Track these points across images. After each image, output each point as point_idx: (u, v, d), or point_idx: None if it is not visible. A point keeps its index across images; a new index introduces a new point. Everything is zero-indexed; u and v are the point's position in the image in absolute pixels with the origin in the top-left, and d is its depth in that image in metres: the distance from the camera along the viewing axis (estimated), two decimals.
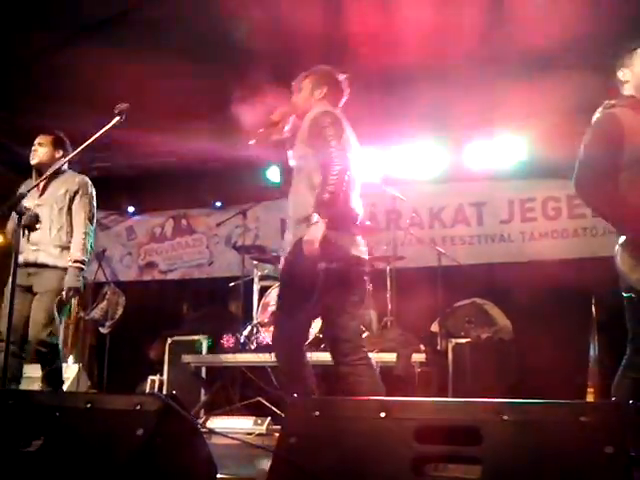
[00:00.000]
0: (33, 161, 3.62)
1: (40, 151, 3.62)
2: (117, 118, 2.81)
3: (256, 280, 5.45)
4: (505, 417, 1.57)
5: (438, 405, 1.72)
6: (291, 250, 2.76)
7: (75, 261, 3.46)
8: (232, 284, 5.64)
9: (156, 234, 7.34)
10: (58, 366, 3.54)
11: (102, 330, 5.82)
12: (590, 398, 4.51)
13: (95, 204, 3.67)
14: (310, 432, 1.70)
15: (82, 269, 3.49)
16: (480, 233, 6.14)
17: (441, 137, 6.00)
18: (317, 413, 1.75)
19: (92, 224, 3.61)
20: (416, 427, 1.65)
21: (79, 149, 2.96)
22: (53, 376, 3.49)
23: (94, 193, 3.67)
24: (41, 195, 3.56)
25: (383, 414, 1.69)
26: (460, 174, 6.11)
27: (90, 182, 3.69)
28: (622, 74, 2.67)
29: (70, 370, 5.54)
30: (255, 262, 5.50)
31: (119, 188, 7.19)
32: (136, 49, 4.62)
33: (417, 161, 6.09)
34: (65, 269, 3.45)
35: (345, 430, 1.70)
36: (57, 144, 3.67)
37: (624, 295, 2.52)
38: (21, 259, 3.23)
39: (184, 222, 7.26)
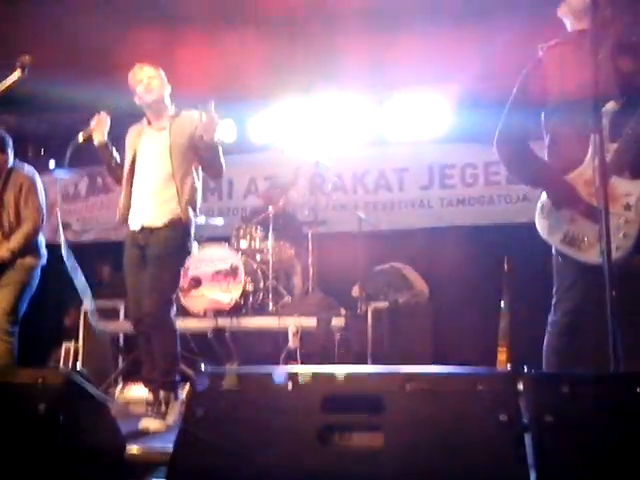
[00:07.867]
0: None
1: None
2: (18, 72, 2.56)
3: None
4: (407, 387, 1.61)
5: (343, 375, 1.74)
6: None
7: None
8: None
9: (69, 193, 7.04)
10: None
11: None
12: (502, 357, 4.72)
13: None
14: (216, 404, 1.69)
15: None
16: (401, 199, 6.24)
17: (366, 97, 5.96)
18: (224, 384, 1.73)
19: None
20: (322, 397, 1.67)
21: None
22: None
23: None
24: None
25: (290, 385, 1.70)
26: (384, 138, 6.14)
27: None
28: (559, 10, 2.46)
29: None
30: None
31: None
32: None
33: (343, 123, 6.06)
34: None
35: (252, 402, 1.70)
36: None
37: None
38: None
39: (100, 180, 6.97)
